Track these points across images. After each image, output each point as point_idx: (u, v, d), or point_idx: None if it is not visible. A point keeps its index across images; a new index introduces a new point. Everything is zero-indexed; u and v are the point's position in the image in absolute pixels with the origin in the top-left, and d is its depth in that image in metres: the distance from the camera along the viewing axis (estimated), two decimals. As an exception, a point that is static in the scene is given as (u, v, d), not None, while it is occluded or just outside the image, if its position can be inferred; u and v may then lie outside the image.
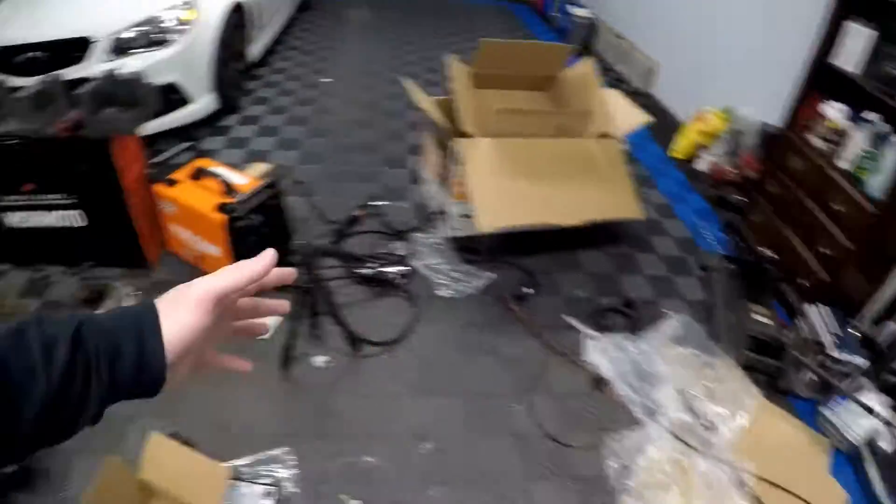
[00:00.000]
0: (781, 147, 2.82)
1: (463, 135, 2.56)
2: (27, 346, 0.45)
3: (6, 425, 0.44)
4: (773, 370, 2.26)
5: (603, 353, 2.27)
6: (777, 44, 3.35)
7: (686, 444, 1.96)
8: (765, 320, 2.36)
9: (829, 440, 2.07)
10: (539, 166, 2.61)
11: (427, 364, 2.28)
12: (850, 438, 2.03)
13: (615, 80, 5.15)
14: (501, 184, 2.54)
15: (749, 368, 2.25)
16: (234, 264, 0.57)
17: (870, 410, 2.01)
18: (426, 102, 2.72)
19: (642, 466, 1.90)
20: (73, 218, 2.51)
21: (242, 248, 2.38)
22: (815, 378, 2.20)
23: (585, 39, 5.85)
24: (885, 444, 1.96)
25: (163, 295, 0.54)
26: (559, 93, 2.98)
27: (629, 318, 2.49)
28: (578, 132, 2.71)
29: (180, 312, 0.53)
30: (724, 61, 3.93)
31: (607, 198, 2.67)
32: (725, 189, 3.38)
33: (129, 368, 0.49)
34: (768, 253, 2.80)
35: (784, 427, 2.08)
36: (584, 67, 2.91)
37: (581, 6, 6.09)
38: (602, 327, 2.42)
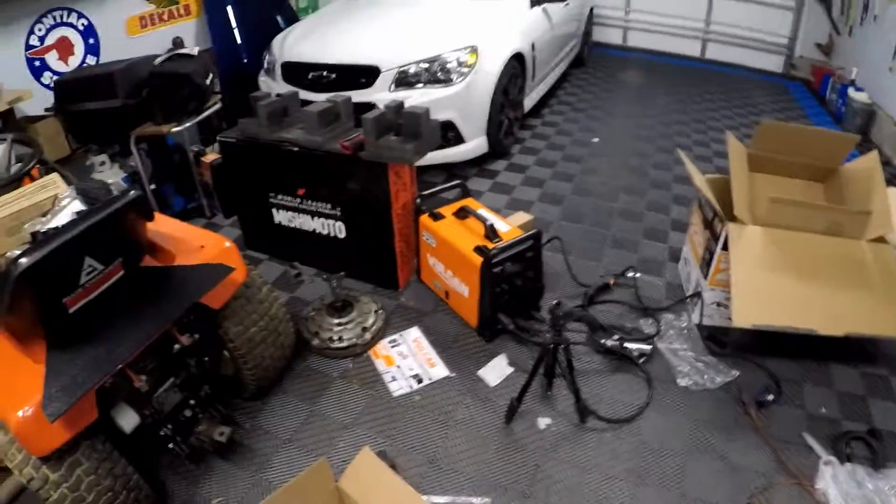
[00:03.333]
0: None
1: (733, 219, 2.42)
2: None
3: None
4: None
5: (836, 482, 1.98)
6: None
7: None
8: None
9: None
10: (806, 265, 2.37)
11: (650, 452, 2.14)
12: None
13: (892, 176, 4.33)
14: (766, 278, 2.34)
15: None
16: None
17: None
18: (699, 179, 2.61)
19: None
20: (335, 228, 2.78)
21: (492, 293, 2.43)
22: None
23: (862, 126, 5.22)
24: None
25: None
26: (837, 187, 2.69)
27: (873, 449, 2.15)
28: (853, 233, 2.42)
29: None
30: None
31: (874, 311, 2.33)
32: None
33: None
34: None
35: None
36: (869, 162, 2.62)
37: (860, 90, 5.43)
38: (841, 454, 2.12)
